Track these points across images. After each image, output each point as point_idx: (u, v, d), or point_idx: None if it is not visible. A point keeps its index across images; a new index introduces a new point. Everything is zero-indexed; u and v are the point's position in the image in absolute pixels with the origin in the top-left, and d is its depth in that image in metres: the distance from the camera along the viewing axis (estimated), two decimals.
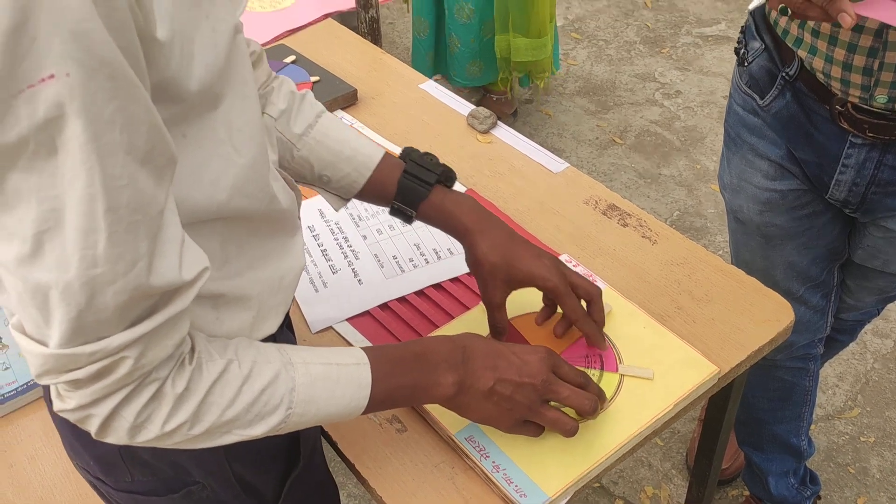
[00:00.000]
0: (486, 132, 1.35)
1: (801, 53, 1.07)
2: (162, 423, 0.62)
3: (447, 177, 0.94)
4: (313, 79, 1.45)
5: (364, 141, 0.92)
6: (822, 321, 1.40)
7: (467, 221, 0.90)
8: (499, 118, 2.83)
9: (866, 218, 1.19)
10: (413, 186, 0.90)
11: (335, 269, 1.11)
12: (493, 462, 0.85)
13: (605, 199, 1.21)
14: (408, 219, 0.93)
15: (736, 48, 1.20)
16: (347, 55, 1.55)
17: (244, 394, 0.65)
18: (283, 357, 0.69)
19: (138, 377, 0.59)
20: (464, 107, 1.41)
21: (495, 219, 0.93)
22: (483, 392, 0.79)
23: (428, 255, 1.12)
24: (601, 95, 2.96)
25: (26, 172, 0.48)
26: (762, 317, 1.02)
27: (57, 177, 0.48)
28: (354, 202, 1.19)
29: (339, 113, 1.41)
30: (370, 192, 0.92)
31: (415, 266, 1.11)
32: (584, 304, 0.93)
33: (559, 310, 0.96)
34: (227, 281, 0.69)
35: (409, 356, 0.78)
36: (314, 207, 1.20)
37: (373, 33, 1.71)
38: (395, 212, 0.92)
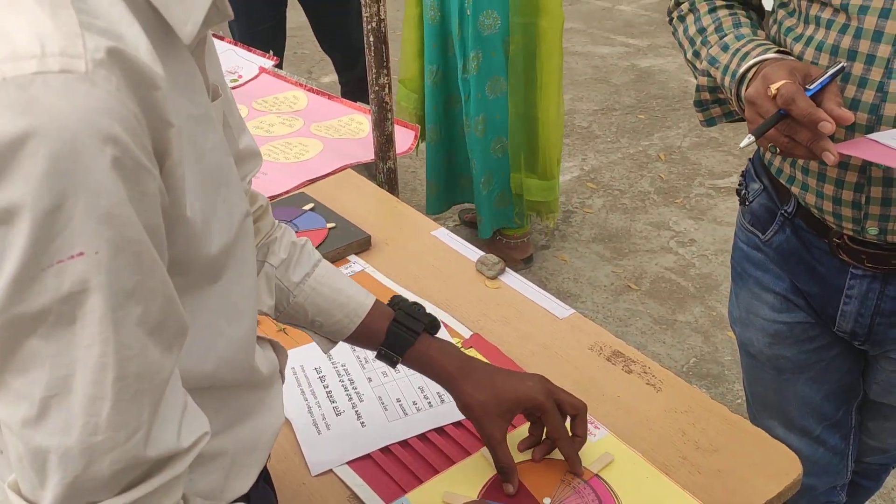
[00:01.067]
0: (494, 278, 1.38)
1: (795, 190, 1.11)
2: None
3: (432, 325, 0.99)
4: (329, 225, 1.50)
5: (357, 289, 0.97)
6: (843, 465, 1.36)
7: (450, 367, 0.95)
8: (513, 262, 2.89)
9: (876, 350, 1.19)
10: (401, 334, 0.95)
11: (339, 410, 1.11)
12: None
13: (609, 345, 1.21)
14: (393, 364, 0.97)
15: (737, 189, 1.25)
16: (364, 203, 1.62)
17: None
18: None
19: None
20: (473, 253, 1.45)
21: (477, 361, 0.97)
22: None
23: (431, 398, 1.12)
24: (616, 242, 3.02)
25: (44, 339, 0.49)
26: (770, 469, 1.00)
27: (73, 345, 0.50)
28: None
29: (353, 258, 1.46)
30: (359, 337, 0.96)
31: (418, 409, 1.11)
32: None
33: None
34: None
35: None
36: None
37: (390, 182, 1.79)
38: (381, 356, 0.97)
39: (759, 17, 1.12)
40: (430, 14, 2.54)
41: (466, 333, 1.25)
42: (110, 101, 0.47)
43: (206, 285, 0.65)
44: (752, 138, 0.89)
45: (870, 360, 1.24)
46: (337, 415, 1.10)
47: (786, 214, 1.15)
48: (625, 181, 3.38)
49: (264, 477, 0.87)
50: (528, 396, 0.92)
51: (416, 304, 0.99)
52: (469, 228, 2.97)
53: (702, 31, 1.10)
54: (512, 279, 1.38)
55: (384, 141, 1.76)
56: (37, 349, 0.50)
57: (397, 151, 1.86)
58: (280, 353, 0.84)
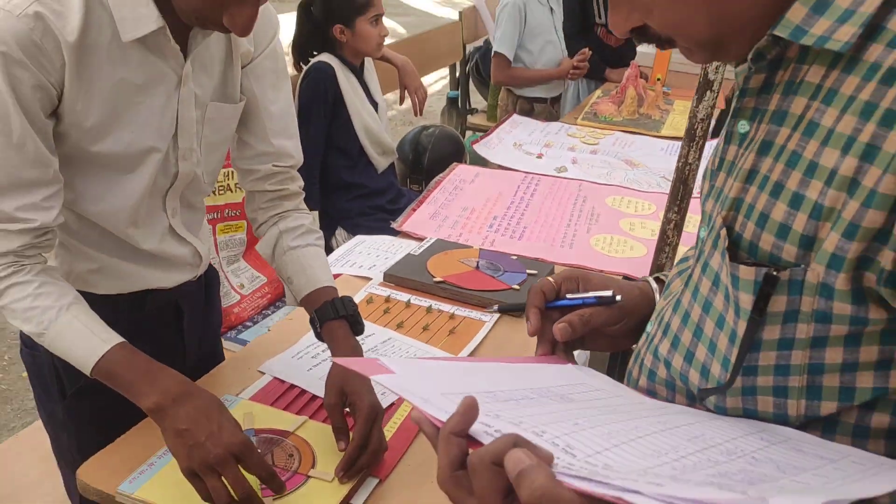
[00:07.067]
0: None
1: None
2: None
3: (355, 322, 1.28)
4: (515, 286, 1.76)
5: (325, 273, 1.34)
6: None
7: (341, 349, 1.23)
8: None
9: None
10: (328, 311, 1.28)
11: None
12: None
13: None
14: (315, 329, 1.30)
15: None
16: None
17: (23, 301, 1.09)
18: (66, 301, 1.10)
19: None
20: None
21: (362, 360, 1.17)
22: (175, 430, 1.04)
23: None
24: None
25: None
26: None
27: None
28: None
29: None
30: (307, 301, 1.32)
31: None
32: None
33: None
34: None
35: (142, 366, 1.09)
36: None
37: None
38: (311, 321, 1.31)
39: None
40: None
41: None
42: (18, 30, 0.96)
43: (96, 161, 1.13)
44: None
45: None
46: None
47: None
48: None
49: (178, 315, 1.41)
50: (358, 401, 1.16)
51: (353, 302, 1.30)
52: None
53: None
54: None
55: (654, 269, 1.86)
56: None
57: None
58: (196, 253, 1.35)
